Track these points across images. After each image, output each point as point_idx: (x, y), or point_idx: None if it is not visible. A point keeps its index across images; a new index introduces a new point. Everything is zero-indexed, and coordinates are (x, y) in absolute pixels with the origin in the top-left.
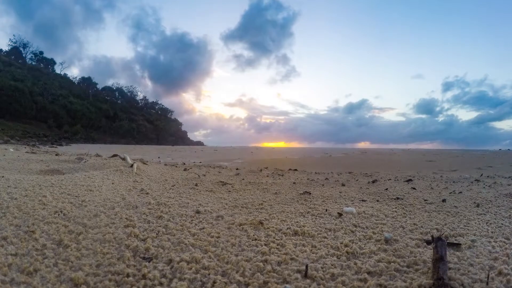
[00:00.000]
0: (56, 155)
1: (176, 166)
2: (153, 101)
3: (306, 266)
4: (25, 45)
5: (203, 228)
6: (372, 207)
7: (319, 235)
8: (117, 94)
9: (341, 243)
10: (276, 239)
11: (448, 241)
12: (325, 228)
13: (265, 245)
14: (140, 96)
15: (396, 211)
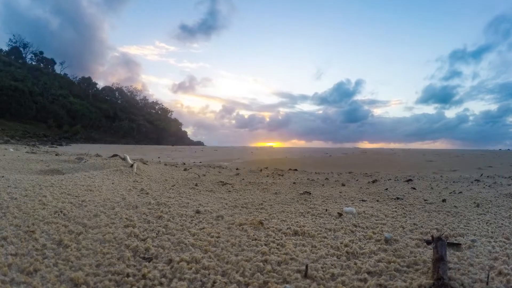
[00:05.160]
0: (56, 155)
1: (176, 166)
2: (153, 101)
3: (306, 266)
4: (25, 45)
5: (203, 228)
6: (372, 207)
7: (319, 235)
8: (117, 94)
9: (341, 243)
10: (276, 239)
11: (448, 241)
12: (325, 228)
13: (265, 245)
14: (140, 96)
15: (396, 211)
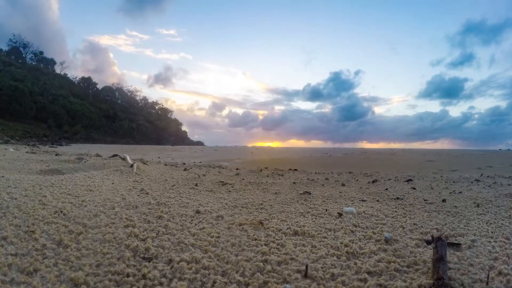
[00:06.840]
0: (56, 155)
1: (176, 166)
2: (153, 101)
3: (306, 266)
4: (25, 45)
5: (203, 228)
6: (372, 207)
7: (319, 235)
8: (117, 94)
9: (341, 243)
10: (276, 239)
11: (448, 241)
12: (325, 228)
13: (265, 245)
14: (140, 96)
15: (396, 211)
